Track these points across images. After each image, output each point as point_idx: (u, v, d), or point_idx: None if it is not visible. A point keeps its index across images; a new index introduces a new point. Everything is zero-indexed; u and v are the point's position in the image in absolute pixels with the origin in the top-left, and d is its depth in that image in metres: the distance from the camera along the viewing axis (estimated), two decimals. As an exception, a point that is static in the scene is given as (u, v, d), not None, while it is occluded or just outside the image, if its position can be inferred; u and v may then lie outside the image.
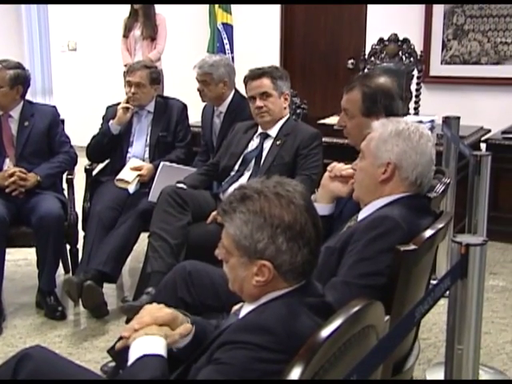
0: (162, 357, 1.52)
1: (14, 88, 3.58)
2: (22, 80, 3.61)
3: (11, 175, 3.50)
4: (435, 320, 3.33)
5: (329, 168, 2.43)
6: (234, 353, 1.40)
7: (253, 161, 3.36)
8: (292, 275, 1.53)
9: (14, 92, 3.59)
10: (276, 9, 6.43)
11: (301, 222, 1.50)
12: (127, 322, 3.19)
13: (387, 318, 1.65)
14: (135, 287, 3.37)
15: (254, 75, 3.35)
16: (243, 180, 3.30)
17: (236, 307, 1.82)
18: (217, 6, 6.18)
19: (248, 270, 1.53)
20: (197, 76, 3.94)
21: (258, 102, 3.32)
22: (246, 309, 1.58)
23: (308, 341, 1.34)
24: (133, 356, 1.52)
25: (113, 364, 2.69)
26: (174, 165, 3.74)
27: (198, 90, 3.94)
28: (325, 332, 1.36)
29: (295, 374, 1.30)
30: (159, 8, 6.21)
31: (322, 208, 2.34)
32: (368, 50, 5.31)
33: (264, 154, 3.36)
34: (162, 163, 3.67)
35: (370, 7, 5.95)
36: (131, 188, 3.70)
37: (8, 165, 3.60)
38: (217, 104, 3.97)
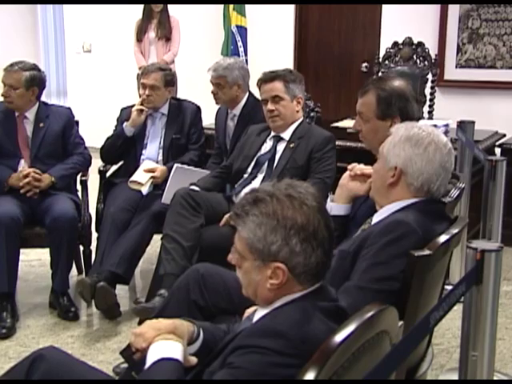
0: (178, 361, 1.52)
1: (29, 89, 3.59)
2: (37, 81, 3.63)
3: (26, 176, 3.52)
4: (448, 325, 3.31)
5: (349, 167, 2.43)
6: (248, 357, 1.39)
7: (266, 164, 3.36)
8: (306, 277, 1.52)
9: (29, 93, 3.61)
10: (290, 11, 6.43)
11: (314, 223, 1.50)
12: (139, 323, 3.20)
13: (401, 323, 1.64)
14: (148, 289, 3.37)
15: (267, 78, 3.34)
16: (256, 183, 3.29)
17: (249, 310, 1.82)
18: (231, 8, 6.18)
19: (262, 274, 1.53)
20: (211, 79, 3.94)
21: (270, 106, 3.32)
22: (259, 313, 1.58)
23: (322, 346, 1.34)
24: (150, 360, 1.52)
25: (125, 365, 2.69)
26: (188, 167, 3.74)
27: (213, 92, 3.95)
28: (339, 337, 1.35)
29: (309, 378, 1.29)
30: (173, 11, 6.23)
31: (339, 208, 2.36)
32: (382, 53, 5.29)
33: (277, 156, 3.35)
34: (175, 165, 3.67)
35: (385, 11, 5.93)
36: (144, 190, 3.70)
37: (23, 166, 3.61)
38: (231, 107, 3.97)
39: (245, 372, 1.38)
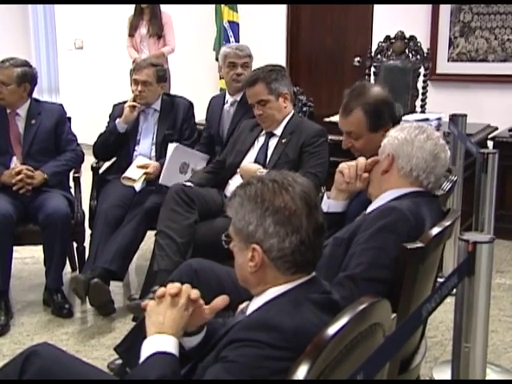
0: (173, 355, 1.53)
1: (21, 86, 3.59)
2: (29, 78, 3.62)
3: (18, 173, 3.52)
4: (442, 318, 3.32)
5: (346, 179, 2.34)
6: (241, 350, 1.40)
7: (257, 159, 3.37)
8: (284, 265, 1.53)
9: (21, 90, 3.60)
10: (282, 7, 6.43)
11: (291, 207, 1.52)
12: (134, 320, 3.21)
13: (394, 315, 1.65)
14: (142, 285, 3.38)
15: (249, 83, 3.35)
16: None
17: (242, 305, 1.82)
18: (223, 4, 6.17)
19: (244, 257, 1.56)
20: (234, 59, 3.91)
21: (257, 110, 3.34)
22: (252, 306, 1.58)
23: (315, 339, 1.34)
24: (144, 354, 1.52)
25: (119, 361, 2.69)
26: (186, 148, 3.73)
27: (237, 74, 3.88)
28: (331, 329, 1.36)
29: (302, 371, 1.30)
30: (165, 6, 6.22)
31: (336, 205, 2.36)
32: (374, 47, 5.29)
33: (269, 152, 3.36)
34: (174, 144, 3.65)
35: (377, 5, 5.93)
36: (138, 186, 3.70)
37: (15, 163, 3.61)
38: (237, 91, 3.93)
39: (239, 365, 1.38)
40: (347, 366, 1.39)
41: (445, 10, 5.58)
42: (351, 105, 2.48)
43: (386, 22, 5.70)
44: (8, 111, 3.66)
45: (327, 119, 4.63)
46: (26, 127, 3.66)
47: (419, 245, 1.80)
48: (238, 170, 3.27)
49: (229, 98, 3.99)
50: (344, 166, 2.35)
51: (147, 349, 1.53)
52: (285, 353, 1.38)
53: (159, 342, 1.54)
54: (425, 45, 5.22)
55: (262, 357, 1.38)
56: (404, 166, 2.09)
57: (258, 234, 1.53)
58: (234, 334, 1.44)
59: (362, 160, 2.32)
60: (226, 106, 3.99)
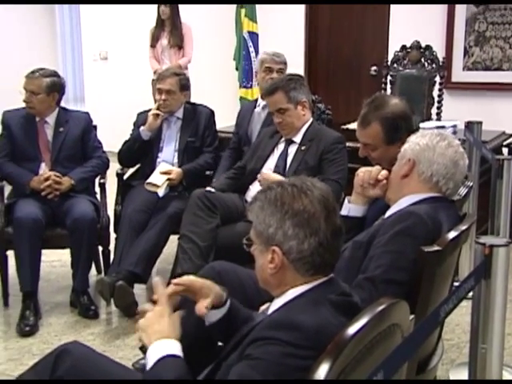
0: (181, 358, 1.55)
1: (50, 95, 3.64)
2: (57, 87, 3.67)
3: (47, 179, 3.56)
4: (458, 321, 3.31)
5: (359, 182, 2.40)
6: (265, 348, 1.41)
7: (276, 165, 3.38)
8: (303, 266, 1.55)
9: (50, 99, 3.65)
10: (301, 16, 6.45)
11: (309, 211, 1.54)
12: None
13: (412, 316, 1.65)
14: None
15: (269, 91, 3.37)
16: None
17: (263, 307, 1.84)
18: (243, 14, 6.21)
19: (264, 258, 1.58)
20: (270, 64, 4.03)
21: (276, 118, 3.36)
22: (273, 307, 1.60)
23: (336, 338, 1.35)
24: (152, 358, 1.54)
25: (144, 361, 2.70)
26: None
27: (272, 79, 3.93)
28: (352, 329, 1.37)
29: (323, 370, 1.31)
30: (185, 17, 6.26)
31: (356, 209, 2.37)
32: (391, 56, 5.30)
33: (289, 159, 3.37)
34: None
35: (393, 15, 5.93)
36: (161, 191, 3.72)
37: (44, 169, 3.66)
38: None
39: (263, 363, 1.39)
40: (367, 366, 1.40)
41: (460, 19, 5.57)
42: (369, 117, 2.47)
43: (401, 32, 5.70)
44: (37, 119, 3.70)
45: (344, 127, 4.64)
46: (54, 135, 3.71)
47: (436, 248, 1.80)
48: (258, 177, 3.28)
49: (261, 102, 4.02)
50: (361, 170, 2.39)
51: (155, 354, 1.54)
52: (306, 351, 1.39)
53: (165, 346, 1.55)
54: (440, 54, 5.21)
55: (285, 355, 1.39)
56: (425, 171, 2.09)
57: (277, 236, 1.54)
58: (258, 333, 1.46)
59: (377, 168, 2.35)
60: (258, 109, 4.03)
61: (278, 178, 3.23)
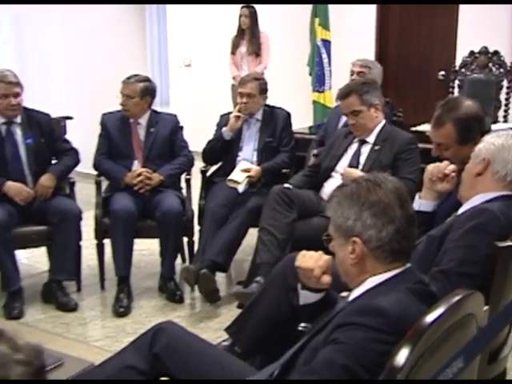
0: None
1: (143, 98, 3.72)
2: (150, 91, 3.76)
3: (139, 175, 3.66)
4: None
5: (428, 176, 2.40)
6: (351, 333, 1.41)
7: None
8: (382, 254, 1.55)
9: (143, 102, 3.74)
10: (371, 24, 6.37)
11: (384, 200, 1.55)
12: (238, 306, 3.28)
13: (486, 307, 1.62)
14: (242, 276, 3.43)
15: (342, 95, 3.35)
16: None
17: (343, 294, 1.84)
18: (317, 23, 6.19)
19: (345, 250, 1.58)
20: (353, 67, 4.18)
21: (350, 120, 3.34)
22: (353, 294, 1.60)
23: (415, 325, 1.35)
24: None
25: (226, 343, 2.75)
26: None
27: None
28: (430, 317, 1.36)
29: (403, 355, 1.31)
30: (264, 27, 6.30)
31: (427, 204, 2.36)
32: (458, 61, 5.17)
33: (362, 158, 3.35)
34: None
35: (461, 21, 5.78)
36: (241, 188, 3.76)
37: (136, 166, 3.75)
38: None
39: (349, 347, 1.40)
40: (442, 354, 1.39)
41: (528, 25, 5.37)
42: (443, 118, 2.45)
43: (469, 37, 5.54)
44: (131, 121, 3.80)
45: (414, 128, 4.56)
46: (146, 135, 3.79)
47: (510, 243, 1.77)
48: (341, 173, 3.27)
49: None
50: (430, 165, 2.40)
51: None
52: (389, 336, 1.39)
53: None
54: (508, 59, 5.04)
55: (369, 339, 1.39)
56: (499, 170, 2.04)
57: (356, 227, 1.55)
58: (342, 319, 1.46)
59: (445, 163, 2.32)
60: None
61: (359, 173, 3.23)
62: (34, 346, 0.81)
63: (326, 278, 1.75)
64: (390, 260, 1.56)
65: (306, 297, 1.80)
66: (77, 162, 3.79)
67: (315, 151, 3.96)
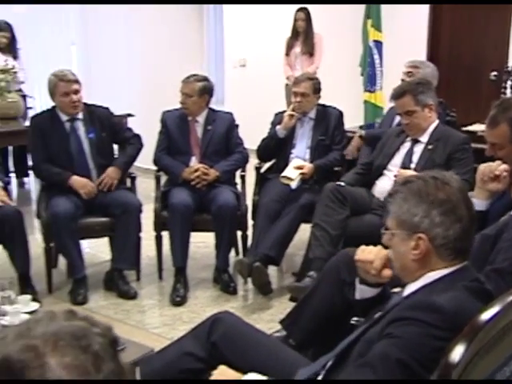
0: None
1: (201, 97, 3.75)
2: (208, 90, 3.79)
3: (196, 170, 3.69)
4: None
5: (480, 175, 2.35)
6: (405, 328, 1.40)
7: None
8: (446, 252, 1.52)
9: (201, 100, 3.77)
10: (423, 25, 6.26)
11: (453, 199, 1.52)
12: (291, 299, 3.28)
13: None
14: (294, 270, 3.42)
15: (397, 95, 3.30)
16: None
17: (395, 290, 1.82)
18: (369, 25, 6.12)
19: (407, 246, 1.54)
20: (404, 68, 4.10)
21: (404, 120, 3.29)
22: (409, 289, 1.57)
23: (471, 322, 1.32)
24: None
25: (278, 334, 2.75)
26: None
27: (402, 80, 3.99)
28: (486, 315, 1.33)
29: (458, 351, 1.28)
30: (318, 29, 6.27)
31: (479, 203, 2.30)
32: (511, 62, 5.03)
33: (414, 157, 3.29)
34: None
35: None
36: (294, 184, 3.75)
37: (194, 162, 3.78)
38: None
39: (404, 341, 1.38)
40: (498, 352, 1.36)
41: None
42: (498, 118, 2.39)
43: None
44: (190, 119, 3.83)
45: (465, 128, 4.46)
46: (203, 132, 3.82)
47: None
48: (395, 174, 3.22)
49: None
50: (482, 165, 2.37)
51: None
52: (444, 332, 1.36)
53: None
54: (562, 59, 4.88)
55: (424, 335, 1.37)
56: None
57: (423, 224, 1.52)
58: (398, 313, 1.45)
59: (497, 163, 2.26)
60: None
61: (413, 174, 3.18)
62: (105, 323, 0.85)
63: (387, 272, 1.72)
64: (452, 257, 1.53)
65: (363, 291, 1.78)
66: (139, 147, 3.85)
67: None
